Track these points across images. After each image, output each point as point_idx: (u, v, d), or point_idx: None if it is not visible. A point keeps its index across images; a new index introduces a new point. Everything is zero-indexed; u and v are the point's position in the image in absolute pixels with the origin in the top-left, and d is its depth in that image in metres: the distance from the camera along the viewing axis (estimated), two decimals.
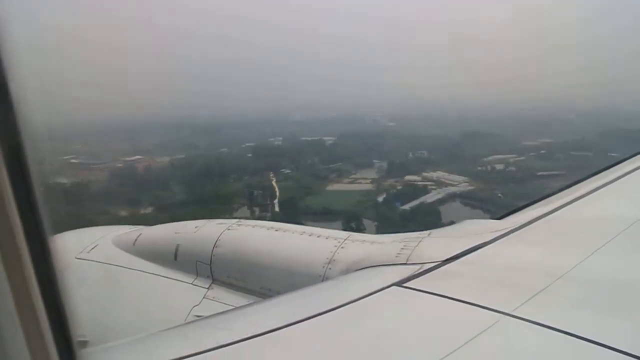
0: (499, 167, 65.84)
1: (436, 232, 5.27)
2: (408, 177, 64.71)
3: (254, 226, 5.99)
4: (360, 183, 67.11)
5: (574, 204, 6.03)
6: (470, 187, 59.69)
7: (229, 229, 5.92)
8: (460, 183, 60.97)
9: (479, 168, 67.13)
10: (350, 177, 68.99)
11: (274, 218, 48.10)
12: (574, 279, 3.89)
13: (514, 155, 67.61)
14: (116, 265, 6.24)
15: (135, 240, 6.43)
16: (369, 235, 5.39)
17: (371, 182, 66.36)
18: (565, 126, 75.86)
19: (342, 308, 3.56)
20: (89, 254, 6.43)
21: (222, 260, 5.73)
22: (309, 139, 78.79)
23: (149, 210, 52.85)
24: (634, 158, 8.26)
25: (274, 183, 64.10)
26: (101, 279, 6.16)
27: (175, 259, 6.03)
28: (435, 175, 64.47)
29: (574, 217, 5.74)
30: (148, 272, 6.09)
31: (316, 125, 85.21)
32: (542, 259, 4.51)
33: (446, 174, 64.15)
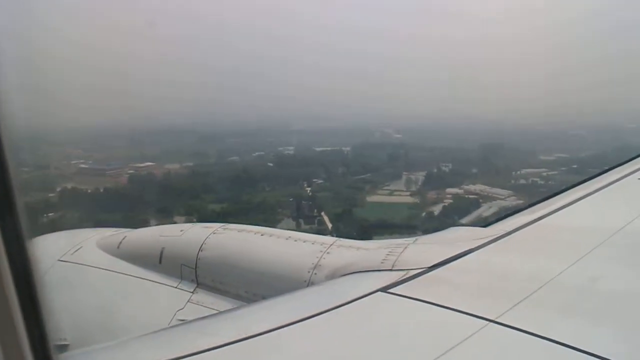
0: (536, 180, 64.24)
1: (422, 239, 5.28)
2: (449, 190, 62.11)
3: (240, 230, 5.95)
4: (399, 195, 64.61)
5: (559, 212, 6.06)
6: (519, 201, 58.11)
7: (214, 233, 5.87)
8: (507, 196, 59.22)
9: (518, 181, 65.61)
10: (384, 188, 66.54)
11: (324, 232, 45.78)
12: (559, 286, 3.91)
13: (545, 170, 66.52)
14: (100, 268, 6.17)
15: (120, 243, 6.36)
16: (355, 241, 5.36)
17: (411, 194, 64.13)
18: (579, 141, 75.26)
19: (327, 313, 3.55)
20: (72, 256, 6.36)
21: (207, 264, 5.68)
22: (325, 149, 76.99)
23: (185, 218, 51.10)
24: (619, 168, 8.39)
25: (315, 193, 62.28)
26: (84, 281, 6.11)
27: (160, 262, 5.97)
28: (476, 188, 62.19)
29: (559, 224, 5.76)
30: (132, 275, 6.03)
31: (321, 135, 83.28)
32: (527, 266, 4.53)
33: (487, 187, 62.54)
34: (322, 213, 56.95)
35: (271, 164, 70.44)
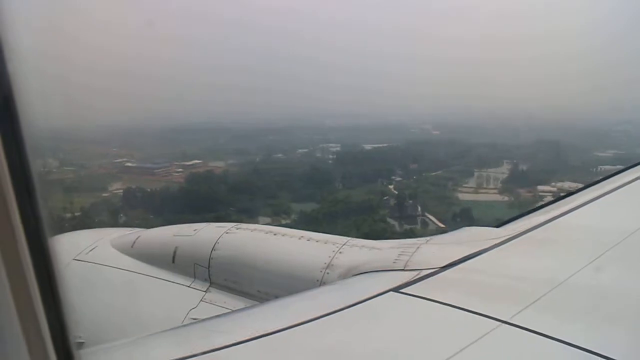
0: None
1: (434, 239, 5.24)
2: (541, 187, 58.87)
3: (252, 230, 5.97)
4: (489, 193, 62.01)
5: (573, 212, 6.01)
6: None
7: (227, 233, 5.90)
8: None
9: (593, 178, 63.14)
10: (464, 186, 64.40)
11: (431, 232, 42.22)
12: (573, 288, 3.89)
13: (620, 166, 64.12)
14: (114, 267, 6.23)
15: (134, 242, 6.42)
16: (367, 241, 5.35)
17: (499, 192, 61.58)
18: (628, 137, 72.95)
19: (339, 313, 3.56)
20: (87, 255, 6.42)
21: (220, 263, 5.71)
22: (378, 145, 75.02)
23: (281, 218, 49.95)
24: (634, 168, 8.24)
25: (403, 191, 60.00)
26: (99, 280, 6.17)
27: (173, 261, 6.01)
28: (566, 185, 60.23)
29: (573, 225, 5.71)
30: (146, 274, 6.08)
31: (356, 132, 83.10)
32: (540, 266, 4.51)
33: (573, 184, 60.83)
34: (425, 212, 55.03)
35: (331, 161, 69.48)
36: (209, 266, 5.74)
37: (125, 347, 3.72)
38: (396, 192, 60.42)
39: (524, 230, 5.29)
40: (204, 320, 4.55)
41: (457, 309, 3.53)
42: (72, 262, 6.28)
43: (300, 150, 72.75)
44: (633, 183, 7.31)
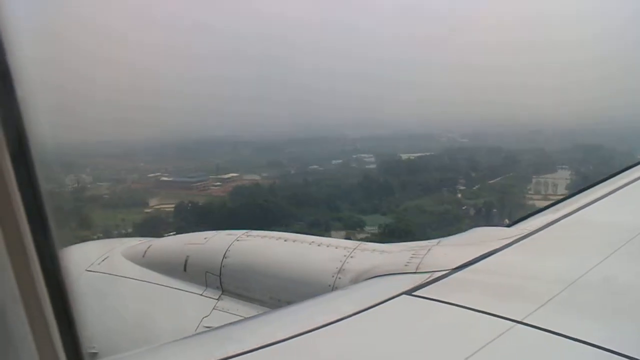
0: None
1: (445, 241, 5.21)
2: None
3: (263, 237, 5.97)
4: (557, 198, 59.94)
5: (584, 210, 5.96)
6: None
7: (238, 240, 5.91)
8: None
9: None
10: (530, 192, 61.87)
11: None
12: (586, 286, 3.87)
13: None
14: (126, 277, 6.26)
15: (145, 252, 6.44)
16: (378, 245, 5.35)
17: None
18: None
19: (352, 317, 3.55)
20: (99, 266, 6.45)
21: (231, 271, 5.71)
22: (420, 154, 72.64)
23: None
24: None
25: (478, 199, 57.85)
26: (111, 291, 6.21)
27: (184, 270, 6.01)
28: None
29: (584, 223, 5.68)
30: (158, 283, 6.09)
31: (382, 142, 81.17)
32: (552, 266, 4.49)
33: None
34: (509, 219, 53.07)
35: (374, 170, 67.91)
36: (220, 274, 5.74)
37: (139, 357, 3.74)
38: (472, 200, 58.92)
39: (536, 229, 5.24)
40: (217, 328, 4.58)
41: (470, 310, 3.51)
42: (85, 273, 6.30)
43: (334, 161, 71.40)
44: None
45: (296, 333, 3.29)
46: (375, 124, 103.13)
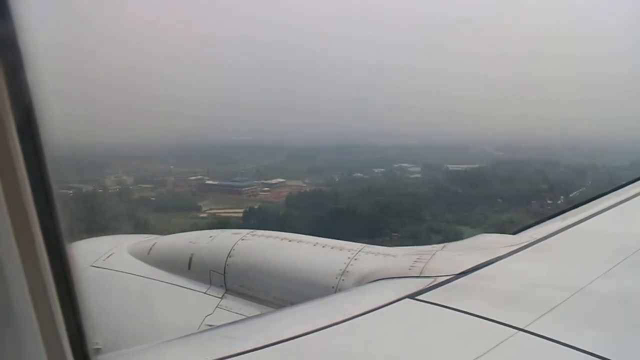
0: None
1: (450, 246, 5.23)
2: None
3: (267, 237, 5.99)
4: None
5: (590, 220, 5.97)
6: None
7: (242, 239, 5.93)
8: None
9: None
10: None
11: None
12: (590, 295, 3.86)
13: None
14: (131, 274, 6.28)
15: (150, 249, 6.47)
16: (383, 248, 5.35)
17: None
18: None
19: (354, 319, 3.57)
20: (104, 262, 6.48)
21: (235, 270, 5.73)
22: (468, 166, 69.61)
23: None
24: None
25: None
26: (116, 287, 6.23)
27: (189, 268, 6.03)
28: None
29: (590, 233, 5.68)
30: (162, 281, 6.11)
31: (416, 151, 78.92)
32: (556, 274, 4.51)
33: None
34: None
35: (447, 180, 64.73)
36: (224, 273, 5.76)
37: (142, 353, 3.74)
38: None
39: (540, 237, 5.25)
40: (219, 326, 4.57)
41: (473, 316, 3.52)
42: (90, 269, 6.35)
43: (377, 170, 69.57)
44: None
45: (298, 333, 3.30)
46: (401, 134, 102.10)
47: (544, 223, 5.94)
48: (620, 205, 6.55)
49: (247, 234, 6.05)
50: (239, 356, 3.03)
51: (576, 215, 6.05)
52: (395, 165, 70.43)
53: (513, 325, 3.31)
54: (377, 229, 44.46)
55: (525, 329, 3.27)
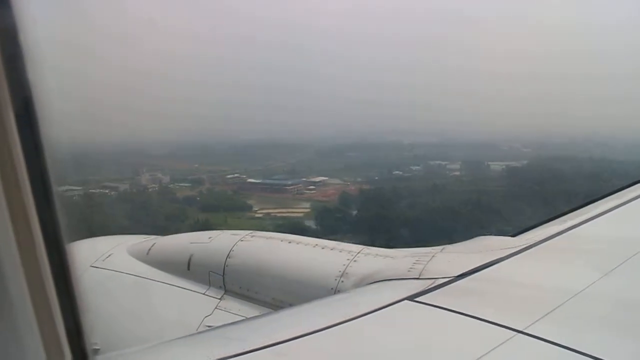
0: None
1: (449, 248, 5.23)
2: None
3: (267, 238, 6.01)
4: None
5: (589, 222, 5.97)
6: None
7: (242, 240, 5.93)
8: None
9: None
10: None
11: None
12: (589, 298, 3.86)
13: None
14: (130, 274, 6.29)
15: (149, 249, 6.47)
16: (382, 250, 5.35)
17: None
18: None
19: (353, 321, 3.57)
20: (103, 262, 6.49)
21: (234, 271, 5.74)
22: (508, 164, 67.15)
23: None
24: None
25: None
26: (115, 287, 6.22)
27: (188, 269, 6.03)
28: None
29: (589, 235, 5.66)
30: (161, 281, 6.12)
31: (446, 149, 76.84)
32: (556, 276, 4.51)
33: None
34: None
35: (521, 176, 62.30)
36: (223, 274, 5.76)
37: (141, 353, 3.73)
38: None
39: (540, 239, 5.25)
40: (218, 327, 4.57)
41: (472, 318, 3.52)
42: (89, 269, 6.36)
43: (414, 167, 68.22)
44: None
45: (297, 335, 3.29)
46: (424, 131, 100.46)
47: (543, 225, 5.91)
48: (621, 208, 6.55)
49: (247, 235, 6.05)
50: (237, 357, 3.02)
51: (576, 217, 6.06)
52: (431, 163, 69.39)
53: (512, 327, 3.30)
54: (454, 228, 40.13)
55: (525, 331, 3.26)
